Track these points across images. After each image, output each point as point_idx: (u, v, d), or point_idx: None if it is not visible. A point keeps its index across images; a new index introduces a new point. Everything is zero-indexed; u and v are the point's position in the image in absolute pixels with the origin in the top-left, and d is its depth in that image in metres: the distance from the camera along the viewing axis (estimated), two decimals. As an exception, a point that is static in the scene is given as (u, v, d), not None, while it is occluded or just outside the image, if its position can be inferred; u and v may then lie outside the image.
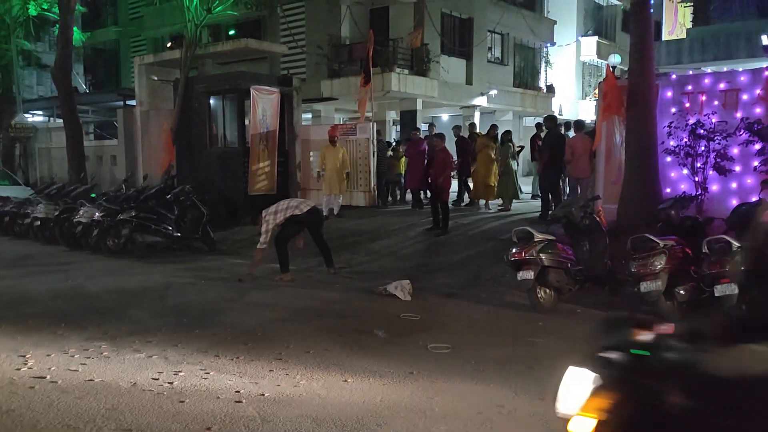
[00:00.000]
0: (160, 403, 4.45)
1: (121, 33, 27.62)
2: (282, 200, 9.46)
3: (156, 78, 16.61)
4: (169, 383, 4.85)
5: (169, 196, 12.01)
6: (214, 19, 16.31)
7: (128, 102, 18.42)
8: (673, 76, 10.57)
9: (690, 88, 10.05)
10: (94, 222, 11.32)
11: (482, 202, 14.01)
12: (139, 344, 5.86)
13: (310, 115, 22.44)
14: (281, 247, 9.02)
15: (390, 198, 15.50)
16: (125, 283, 8.78)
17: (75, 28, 18.00)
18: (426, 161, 12.83)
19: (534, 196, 15.59)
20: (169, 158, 15.06)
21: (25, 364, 5.28)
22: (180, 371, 5.11)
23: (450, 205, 12.01)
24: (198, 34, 15.44)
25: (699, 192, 9.40)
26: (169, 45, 21.05)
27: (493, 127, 14.61)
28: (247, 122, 14.35)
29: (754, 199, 8.17)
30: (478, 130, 16.47)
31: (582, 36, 28.82)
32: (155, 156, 16.18)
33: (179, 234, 11.48)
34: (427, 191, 13.50)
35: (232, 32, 19.34)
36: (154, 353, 5.59)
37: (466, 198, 14.57)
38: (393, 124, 24.91)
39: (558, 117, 25.18)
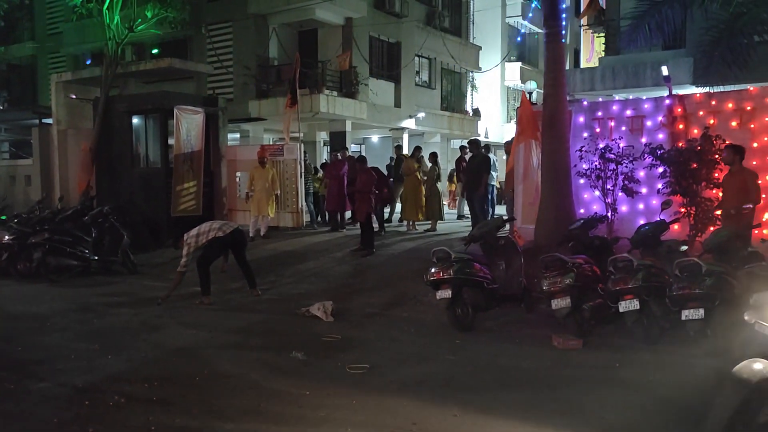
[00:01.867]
0: (65, 434, 4.30)
1: (39, 49, 26.55)
2: (204, 223, 9.33)
3: (75, 96, 16.07)
4: (76, 413, 4.68)
5: (87, 217, 11.62)
6: (137, 38, 15.98)
7: (45, 120, 17.70)
8: (585, 103, 11.13)
9: (600, 114, 10.61)
10: (3, 245, 10.82)
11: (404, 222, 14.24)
12: (46, 373, 5.63)
13: (238, 135, 22.22)
14: (203, 269, 8.89)
15: (319, 219, 15.51)
16: (35, 308, 8.41)
17: (-13, 43, 17.24)
18: (346, 183, 13.02)
19: (459, 217, 15.99)
20: (87, 178, 14.57)
21: None
22: (88, 400, 4.95)
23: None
24: (120, 52, 15.08)
25: (609, 213, 9.89)
26: (88, 63, 20.43)
27: (417, 149, 14.93)
28: (170, 142, 14.08)
29: (656, 219, 8.66)
30: (405, 152, 16.77)
31: (506, 61, 29.88)
32: (72, 176, 15.61)
33: (97, 257, 11.11)
34: (348, 213, 13.72)
35: (155, 51, 18.96)
36: (62, 381, 5.39)
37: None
38: (323, 145, 24.97)
39: (483, 140, 25.96)
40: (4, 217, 12.61)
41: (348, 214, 14.35)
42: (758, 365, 3.38)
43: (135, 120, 14.85)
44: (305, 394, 5.11)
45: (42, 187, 16.34)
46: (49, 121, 17.06)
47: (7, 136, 21.03)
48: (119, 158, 14.90)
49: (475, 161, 12.52)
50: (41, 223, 11.60)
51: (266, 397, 5.05)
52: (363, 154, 17.53)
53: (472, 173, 12.46)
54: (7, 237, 10.77)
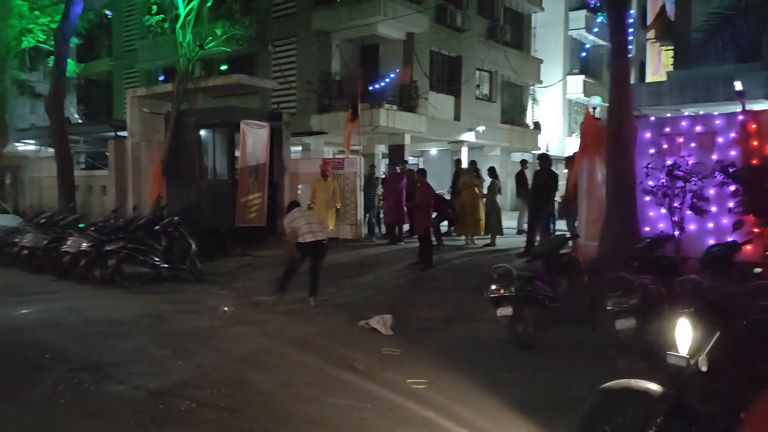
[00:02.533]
0: (141, 435, 4.54)
1: (115, 65, 27.95)
2: (297, 211, 9.71)
3: (148, 110, 16.85)
4: (151, 416, 4.92)
5: (158, 227, 12.11)
6: (206, 54, 16.63)
7: (120, 133, 18.61)
8: (652, 118, 10.89)
9: (668, 129, 10.36)
10: (81, 252, 11.40)
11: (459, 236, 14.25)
12: (122, 375, 5.93)
13: (299, 148, 22.71)
14: (288, 270, 9.36)
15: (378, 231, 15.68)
16: (110, 313, 8.83)
17: (69, 60, 18.26)
18: (405, 196, 13.15)
19: (519, 232, 15.83)
20: (158, 189, 15.21)
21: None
22: (162, 404, 5.19)
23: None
24: (190, 69, 15.73)
25: (676, 231, 9.63)
26: (161, 78, 21.36)
27: (473, 163, 14.90)
28: (236, 155, 14.56)
29: (728, 239, 8.39)
30: (463, 166, 16.78)
31: (568, 74, 29.48)
32: (145, 187, 16.33)
33: (166, 265, 11.56)
34: (406, 226, 13.85)
35: (224, 67, 19.67)
36: (137, 384, 5.67)
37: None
38: (382, 158, 25.22)
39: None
40: (82, 225, 13.27)
41: (406, 227, 14.48)
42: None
43: (203, 133, 15.44)
44: (366, 407, 5.21)
45: (116, 197, 17.16)
46: (124, 134, 17.92)
47: (85, 148, 22.16)
48: (188, 170, 15.50)
49: (542, 177, 12.35)
50: (116, 231, 12.19)
51: (329, 408, 5.18)
52: (422, 167, 17.61)
53: (540, 189, 12.31)
54: (85, 244, 11.34)
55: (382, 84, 19.37)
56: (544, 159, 12.64)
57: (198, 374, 6.05)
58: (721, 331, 3.50)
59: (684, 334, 3.44)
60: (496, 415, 5.07)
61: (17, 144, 21.52)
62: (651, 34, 19.77)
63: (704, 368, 3.35)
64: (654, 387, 3.56)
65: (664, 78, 18.40)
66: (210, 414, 5.01)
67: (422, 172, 12.33)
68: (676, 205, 9.74)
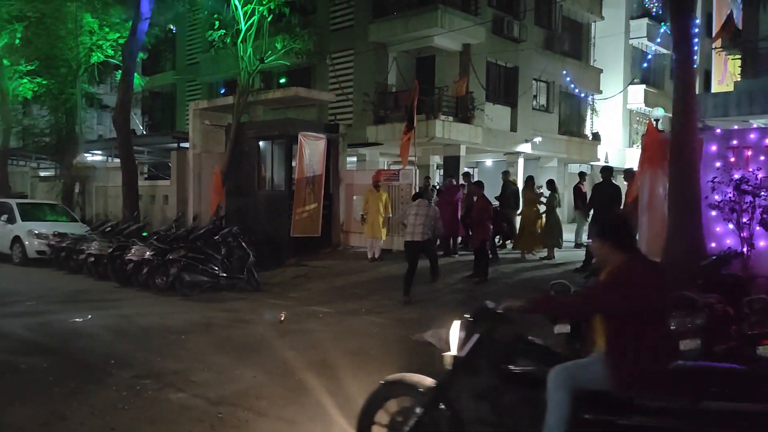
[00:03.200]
0: (200, 444, 4.64)
1: (178, 78, 28.92)
2: (411, 205, 10.40)
3: (209, 123, 17.34)
4: (211, 424, 5.03)
5: (217, 236, 12.42)
6: (266, 67, 17.02)
7: (182, 144, 19.23)
8: (718, 131, 10.52)
9: (735, 142, 9.98)
10: (144, 260, 11.80)
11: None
12: (182, 383, 6.09)
13: (355, 159, 22.91)
14: (410, 268, 10.24)
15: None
16: (171, 321, 9.10)
17: (135, 74, 18.99)
18: (465, 209, 13.07)
19: (577, 245, 15.50)
20: (218, 200, 15.60)
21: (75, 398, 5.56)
22: (221, 413, 5.30)
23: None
24: (251, 82, 16.12)
25: (745, 248, 9.25)
26: (222, 91, 21.96)
27: (530, 179, 14.69)
28: (293, 166, 14.80)
29: (800, 257, 8.01)
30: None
31: (629, 84, 28.77)
32: (205, 197, 16.77)
33: (225, 274, 11.84)
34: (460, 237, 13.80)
35: (282, 80, 20.09)
36: (196, 392, 5.81)
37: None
38: (437, 168, 25.19)
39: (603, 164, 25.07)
40: (145, 234, 13.74)
41: (459, 238, 14.41)
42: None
43: (262, 145, 15.78)
44: (421, 423, 5.17)
45: (178, 207, 17.70)
46: (186, 145, 18.49)
47: (149, 158, 22.98)
48: (247, 181, 15.86)
49: (604, 189, 12.04)
50: (177, 240, 12.56)
51: (383, 423, 5.16)
52: (479, 179, 17.48)
53: (601, 202, 12.00)
54: (148, 252, 11.74)
55: (439, 96, 19.37)
56: (607, 171, 12.34)
57: (255, 384, 6.16)
58: (481, 335, 4.02)
59: (455, 335, 4.13)
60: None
61: (86, 154, 22.50)
62: (717, 43, 19.11)
63: (465, 366, 3.94)
64: (426, 381, 4.09)
65: (730, 88, 17.75)
66: (267, 425, 5.08)
67: (479, 185, 12.25)
68: (744, 220, 9.36)
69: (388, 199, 14.05)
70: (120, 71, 18.48)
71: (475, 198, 11.91)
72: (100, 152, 24.97)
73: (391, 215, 14.00)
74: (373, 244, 13.90)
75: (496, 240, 14.19)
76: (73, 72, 20.28)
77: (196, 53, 27.44)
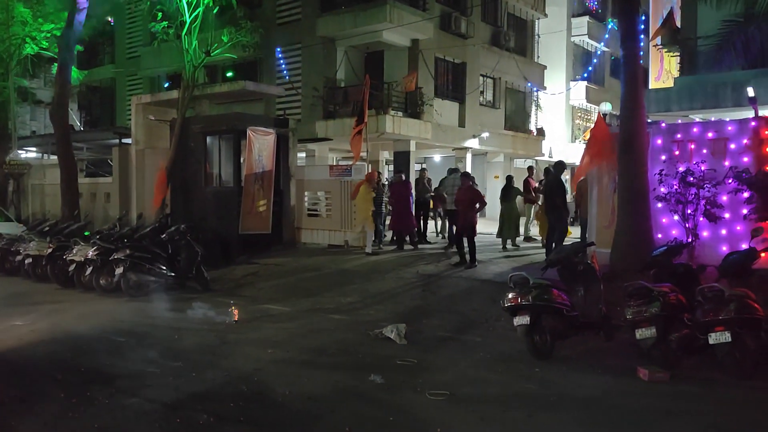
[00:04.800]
0: (160, 451, 4.42)
1: (118, 72, 27.89)
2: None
3: (153, 117, 16.75)
4: (171, 430, 4.81)
5: (164, 235, 12.01)
6: (212, 61, 16.57)
7: (124, 140, 18.51)
8: (663, 125, 10.83)
9: (679, 136, 10.30)
10: (87, 260, 11.29)
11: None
12: (136, 388, 5.82)
13: (304, 155, 22.61)
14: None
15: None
16: (118, 323, 8.73)
17: (73, 67, 18.17)
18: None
19: (526, 239, 15.76)
20: (161, 196, 15.08)
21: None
22: (178, 418, 5.08)
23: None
24: (196, 75, 15.65)
25: (690, 238, 9.55)
26: (166, 86, 21.29)
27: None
28: (242, 162, 14.46)
29: (744, 247, 8.31)
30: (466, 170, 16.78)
31: (572, 81, 29.44)
32: (150, 194, 16.20)
33: (173, 273, 11.46)
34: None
35: (229, 74, 19.60)
36: (151, 397, 5.56)
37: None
38: (386, 164, 25.14)
39: (547, 159, 25.59)
40: (87, 233, 13.16)
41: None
42: None
43: (209, 140, 15.33)
44: (389, 421, 5.10)
45: (121, 205, 17.06)
46: (128, 141, 17.83)
47: (89, 155, 22.06)
48: (193, 177, 15.39)
49: (556, 183, 12.24)
50: (121, 239, 12.08)
51: (351, 420, 5.06)
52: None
53: (546, 196, 12.27)
54: (91, 252, 11.23)
55: (388, 91, 19.29)
56: (559, 166, 12.47)
57: (213, 387, 5.94)
58: None
59: None
60: (524, 428, 4.96)
61: (20, 151, 21.42)
62: (656, 40, 19.70)
63: None
64: None
65: (667, 84, 18.31)
66: (231, 428, 4.90)
67: (467, 175, 12.40)
68: (689, 211, 9.67)
69: (371, 194, 13.88)
70: (56, 64, 17.62)
71: (464, 188, 11.95)
72: (35, 149, 23.83)
73: (374, 209, 13.89)
74: (370, 235, 13.86)
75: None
76: (5, 65, 19.26)
77: (137, 46, 26.50)
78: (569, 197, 15.04)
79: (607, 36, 29.53)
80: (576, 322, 7.29)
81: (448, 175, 14.80)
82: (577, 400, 5.67)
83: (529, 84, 25.61)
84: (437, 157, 27.37)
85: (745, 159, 9.55)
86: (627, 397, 5.76)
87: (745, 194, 9.15)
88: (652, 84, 23.85)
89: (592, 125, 11.95)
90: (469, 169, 21.33)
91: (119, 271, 10.92)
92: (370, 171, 14.46)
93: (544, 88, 27.44)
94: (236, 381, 6.10)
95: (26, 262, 12.75)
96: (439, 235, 16.56)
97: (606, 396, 5.78)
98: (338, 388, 5.94)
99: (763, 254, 7.98)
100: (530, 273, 7.62)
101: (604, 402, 5.62)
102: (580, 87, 29.65)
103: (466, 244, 11.84)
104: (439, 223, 16.88)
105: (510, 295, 7.15)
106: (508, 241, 14.38)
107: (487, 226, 15.14)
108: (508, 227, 14.48)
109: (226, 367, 6.57)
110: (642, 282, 6.89)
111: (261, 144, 14.25)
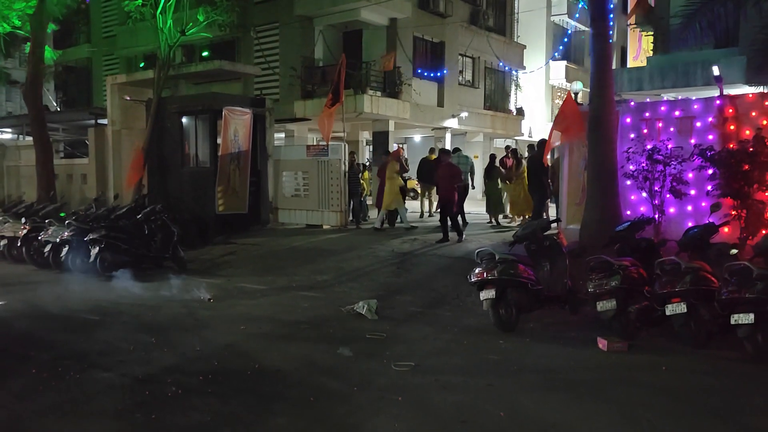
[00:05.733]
0: (133, 423, 4.55)
1: (94, 51, 27.52)
2: None
3: (129, 98, 16.65)
4: (139, 402, 4.94)
5: (140, 215, 12.02)
6: (188, 40, 16.45)
7: (100, 121, 18.37)
8: (632, 103, 11.02)
9: (648, 114, 10.49)
10: (63, 241, 11.30)
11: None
12: (108, 363, 5.93)
13: (283, 135, 22.60)
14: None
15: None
16: (93, 302, 8.80)
17: (46, 47, 17.93)
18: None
19: (504, 217, 16.03)
20: (137, 177, 15.04)
21: (-7, 383, 5.33)
22: (147, 391, 5.21)
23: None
24: (171, 55, 15.55)
25: (656, 214, 9.78)
26: (142, 65, 21.08)
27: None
28: (218, 142, 14.46)
29: (705, 221, 8.55)
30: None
31: (551, 60, 29.57)
32: (126, 175, 16.16)
33: (149, 253, 11.51)
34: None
35: (205, 53, 19.45)
36: (123, 372, 5.68)
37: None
38: (366, 144, 25.20)
39: (527, 139, 25.76)
40: (63, 214, 13.13)
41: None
42: None
43: (185, 120, 15.30)
44: (353, 390, 5.27)
45: (97, 186, 16.99)
46: (104, 121, 17.70)
47: (64, 136, 21.85)
48: (170, 158, 15.38)
49: (538, 162, 12.49)
50: (97, 220, 12.08)
51: (315, 392, 5.22)
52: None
53: (530, 174, 12.55)
54: (66, 233, 11.23)
55: (366, 70, 19.29)
56: (540, 145, 12.75)
57: (183, 361, 6.07)
58: None
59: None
60: (483, 396, 5.15)
61: (-6, 132, 21.20)
62: (632, 19, 19.88)
63: None
64: None
65: (644, 63, 18.55)
66: (197, 400, 5.03)
67: (446, 152, 12.64)
68: (656, 188, 9.88)
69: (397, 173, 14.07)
70: (29, 44, 17.38)
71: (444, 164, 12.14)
72: (9, 130, 23.55)
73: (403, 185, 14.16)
74: (383, 215, 14.13)
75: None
76: (-23, 44, 18.93)
77: (113, 25, 26.14)
78: None
79: (578, 15, 29.63)
80: (541, 296, 7.50)
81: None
82: (536, 369, 5.88)
83: (501, 63, 25.63)
84: (417, 137, 27.47)
85: (710, 137, 9.77)
86: (584, 365, 5.98)
87: (710, 171, 9.37)
88: (630, 63, 24.11)
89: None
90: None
91: (95, 251, 10.93)
92: (395, 149, 14.65)
93: (523, 68, 27.53)
94: (207, 356, 6.24)
95: (1, 243, 12.73)
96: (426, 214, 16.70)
97: (564, 365, 6.00)
98: (307, 362, 6.09)
99: (723, 229, 8.25)
100: (501, 249, 7.81)
101: (562, 371, 5.84)
102: (559, 66, 29.83)
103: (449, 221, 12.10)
104: (426, 203, 17.01)
105: (476, 270, 7.33)
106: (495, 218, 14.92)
107: (470, 205, 15.38)
108: (494, 204, 14.99)
109: (199, 343, 6.70)
110: (603, 256, 7.10)
111: (237, 124, 14.25)
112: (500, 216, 15.23)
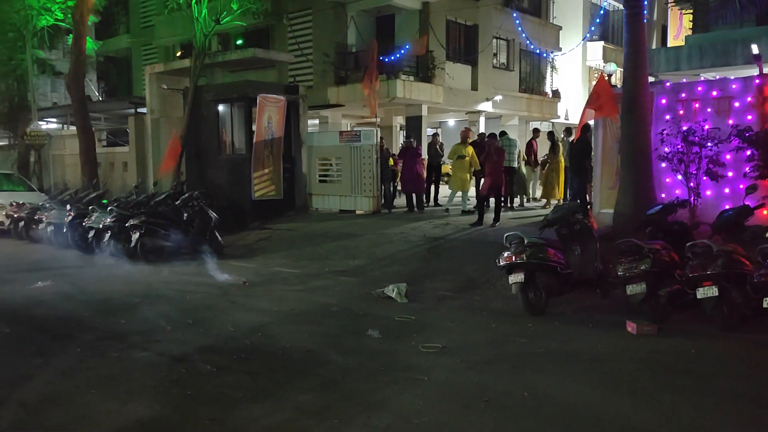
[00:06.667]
0: (169, 399, 4.78)
1: (133, 42, 28.12)
2: None
3: (166, 87, 17.02)
4: (176, 379, 5.17)
5: (179, 201, 12.36)
6: (222, 29, 16.70)
7: (139, 110, 18.85)
8: (668, 84, 10.80)
9: (684, 95, 10.29)
10: (105, 227, 11.70)
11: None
12: (147, 343, 6.19)
13: (317, 121, 22.80)
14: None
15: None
16: (134, 285, 9.13)
17: (88, 38, 18.42)
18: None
19: (529, 200, 15.98)
20: (171, 163, 15.38)
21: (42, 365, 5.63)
22: (184, 368, 5.44)
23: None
24: (207, 44, 15.82)
25: (692, 197, 9.62)
26: (178, 54, 21.47)
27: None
28: (253, 128, 14.71)
29: (741, 204, 8.38)
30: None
31: (588, 40, 28.99)
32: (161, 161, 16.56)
33: (187, 238, 11.83)
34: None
35: (240, 42, 19.72)
36: (160, 351, 5.93)
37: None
38: (400, 129, 25.22)
39: (563, 122, 25.39)
40: (105, 201, 13.58)
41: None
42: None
43: (221, 108, 15.60)
44: (380, 369, 5.40)
45: (137, 173, 17.46)
46: (144, 110, 18.15)
47: (106, 125, 22.48)
48: (207, 145, 15.72)
49: (581, 145, 12.26)
50: (138, 206, 12.48)
51: (343, 372, 5.37)
52: (441, 138, 17.65)
53: (573, 158, 12.40)
54: (108, 219, 11.64)
55: (399, 55, 19.27)
56: (586, 128, 12.52)
57: (218, 341, 6.30)
58: None
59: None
60: (508, 377, 5.22)
61: (40, 122, 21.89)
62: (671, -3, 19.39)
63: None
64: None
65: (684, 42, 18.07)
66: (230, 378, 5.24)
67: (493, 136, 12.75)
68: (692, 171, 9.72)
69: (475, 155, 14.06)
70: (71, 36, 17.89)
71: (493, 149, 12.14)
72: (55, 120, 24.32)
73: (476, 169, 14.06)
74: (452, 197, 14.35)
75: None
76: (22, 36, 19.58)
77: (151, 15, 26.64)
78: None
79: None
80: (570, 280, 7.49)
81: (500, 137, 15.01)
82: (563, 352, 5.91)
83: (531, 46, 25.24)
84: (451, 122, 27.37)
85: (749, 117, 9.54)
86: (612, 348, 5.98)
87: (748, 152, 9.17)
88: (671, 42, 23.47)
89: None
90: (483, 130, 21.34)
91: (135, 236, 11.32)
92: (462, 130, 14.75)
93: (559, 50, 27.08)
94: (241, 336, 6.45)
95: (48, 229, 13.24)
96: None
97: (592, 348, 6.01)
98: (336, 342, 6.25)
99: (762, 211, 8.09)
100: (533, 233, 7.83)
101: (589, 353, 5.86)
102: (596, 47, 29.22)
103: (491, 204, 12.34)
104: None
105: (505, 254, 7.36)
106: (516, 199, 14.94)
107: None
108: (518, 186, 15.06)
109: (233, 324, 6.92)
110: (633, 239, 7.06)
111: (271, 111, 14.47)
112: (524, 199, 15.32)
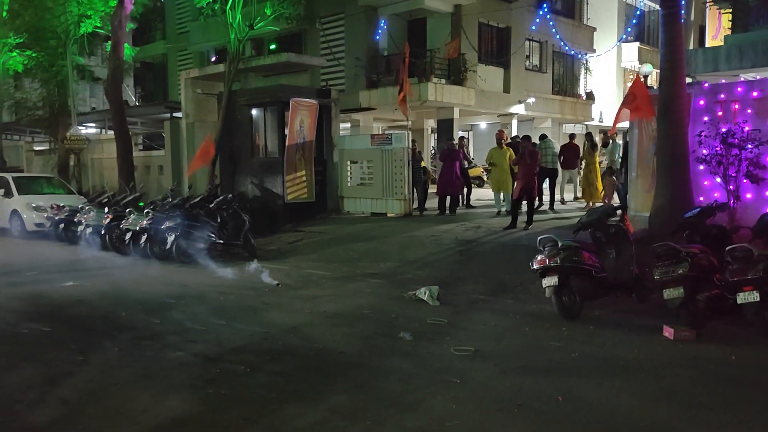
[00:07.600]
0: (204, 398, 4.85)
1: (169, 47, 28.67)
2: None
3: (201, 91, 17.31)
4: (210, 379, 5.24)
5: (213, 204, 12.54)
6: (256, 34, 16.90)
7: (175, 114, 19.20)
8: (706, 85, 10.57)
9: (723, 96, 10.04)
10: (141, 229, 11.95)
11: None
12: (182, 344, 6.29)
13: (349, 125, 22.91)
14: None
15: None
16: (169, 286, 9.29)
17: (126, 44, 18.85)
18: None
19: (563, 201, 15.80)
20: (199, 165, 15.58)
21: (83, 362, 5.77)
22: (217, 369, 5.51)
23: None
24: (241, 49, 16.04)
25: (731, 200, 9.38)
26: (213, 59, 21.83)
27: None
28: (286, 132, 14.84)
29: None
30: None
31: (623, 42, 28.58)
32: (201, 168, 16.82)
33: (222, 241, 12.00)
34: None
35: (273, 46, 19.96)
36: (195, 351, 6.01)
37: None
38: (431, 132, 25.19)
39: (597, 124, 25.02)
40: (141, 204, 13.85)
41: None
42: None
43: (254, 112, 15.78)
44: (412, 372, 5.39)
45: (173, 176, 17.77)
46: (179, 114, 18.47)
47: (143, 129, 22.94)
48: (240, 148, 15.92)
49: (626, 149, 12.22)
50: (173, 209, 12.69)
51: (376, 373, 5.38)
52: (471, 141, 17.63)
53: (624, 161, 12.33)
54: (145, 222, 11.88)
55: (431, 58, 19.27)
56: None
57: (251, 342, 6.36)
58: None
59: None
60: (541, 381, 5.17)
61: (80, 127, 22.46)
62: (709, -4, 18.98)
63: None
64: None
65: (723, 42, 17.68)
66: (263, 378, 5.29)
67: (527, 138, 12.74)
68: (731, 173, 9.48)
69: (513, 155, 14.06)
70: (110, 42, 18.32)
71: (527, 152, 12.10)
72: (93, 124, 24.91)
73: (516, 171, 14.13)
74: (500, 197, 14.37)
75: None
76: (63, 43, 20.12)
77: (186, 22, 27.16)
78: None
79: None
80: (605, 284, 7.38)
81: (540, 140, 15.03)
82: (597, 356, 5.83)
83: (566, 47, 24.96)
84: (483, 124, 27.23)
85: (792, 118, 9.27)
86: (648, 353, 5.88)
87: (790, 154, 8.92)
88: (709, 42, 22.96)
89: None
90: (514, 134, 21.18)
91: (171, 238, 11.53)
92: (497, 132, 14.82)
93: (593, 51, 26.76)
94: (274, 337, 6.51)
95: (87, 231, 13.56)
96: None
97: (627, 353, 5.91)
98: (368, 344, 6.26)
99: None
100: (567, 236, 7.74)
101: (624, 358, 5.76)
102: (631, 48, 28.80)
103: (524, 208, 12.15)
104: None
105: (539, 257, 7.29)
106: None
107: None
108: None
109: (266, 325, 6.99)
110: (669, 243, 6.91)
111: (303, 115, 14.59)
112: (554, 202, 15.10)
